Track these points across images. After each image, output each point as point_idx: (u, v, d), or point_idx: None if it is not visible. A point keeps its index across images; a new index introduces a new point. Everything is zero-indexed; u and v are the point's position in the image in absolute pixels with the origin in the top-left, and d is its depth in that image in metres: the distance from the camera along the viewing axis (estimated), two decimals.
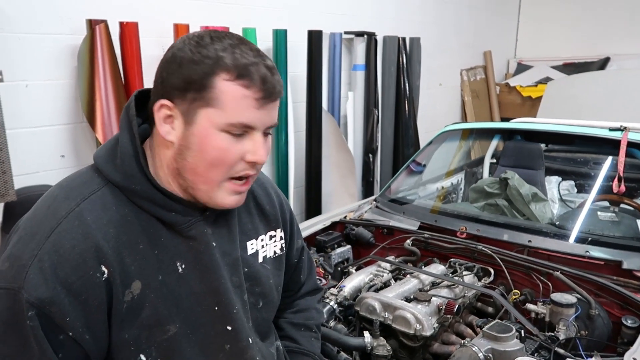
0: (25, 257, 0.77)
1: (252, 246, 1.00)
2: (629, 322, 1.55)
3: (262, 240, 1.02)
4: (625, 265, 1.77)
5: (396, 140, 4.30)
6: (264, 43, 3.20)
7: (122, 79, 2.48)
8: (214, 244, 0.91)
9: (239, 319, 0.92)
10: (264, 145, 0.89)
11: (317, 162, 3.52)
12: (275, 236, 1.04)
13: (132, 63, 2.51)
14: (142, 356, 0.85)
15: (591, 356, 1.41)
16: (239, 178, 0.90)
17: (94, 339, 0.80)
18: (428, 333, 1.58)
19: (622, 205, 2.36)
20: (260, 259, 1.00)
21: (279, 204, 1.08)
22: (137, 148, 0.85)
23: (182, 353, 0.88)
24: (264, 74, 0.85)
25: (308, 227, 2.37)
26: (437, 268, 1.97)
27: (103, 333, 0.82)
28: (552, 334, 1.56)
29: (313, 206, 3.49)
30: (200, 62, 0.82)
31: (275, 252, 1.04)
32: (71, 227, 0.80)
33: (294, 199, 3.46)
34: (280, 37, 3.25)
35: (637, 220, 1.99)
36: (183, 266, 0.89)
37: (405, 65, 4.27)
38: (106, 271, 0.80)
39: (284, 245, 1.06)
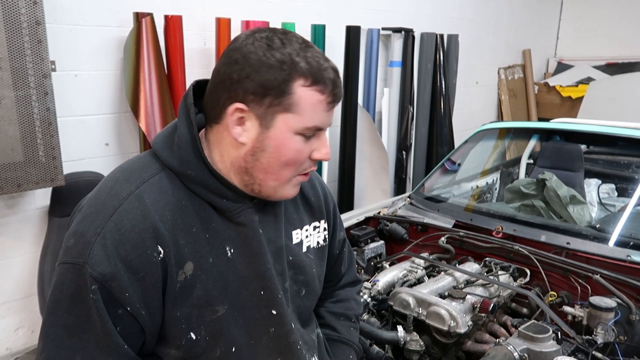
0: (90, 234, 0.82)
1: (297, 235, 1.02)
2: None
3: (307, 230, 1.04)
4: None
5: (430, 138, 4.27)
6: None
7: (166, 71, 2.55)
8: (261, 231, 0.95)
9: (283, 304, 0.95)
10: (327, 144, 0.94)
11: (351, 158, 3.54)
12: (319, 227, 1.07)
13: (175, 55, 2.58)
14: (192, 334, 0.89)
15: None
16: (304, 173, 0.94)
17: (149, 314, 0.85)
18: (462, 330, 1.58)
19: None
20: (304, 249, 1.03)
21: (324, 196, 1.11)
22: (195, 135, 0.89)
23: (230, 333, 0.92)
24: (333, 79, 0.89)
25: (344, 221, 2.39)
26: (472, 267, 1.96)
27: (158, 309, 0.86)
28: (590, 337, 1.54)
29: (345, 201, 3.51)
30: (276, 67, 0.84)
31: (318, 243, 1.06)
32: (131, 207, 0.84)
33: None
34: (318, 32, 3.27)
35: None
36: (232, 250, 0.92)
37: (442, 63, 4.23)
38: (162, 251, 0.84)
39: (326, 236, 1.08)
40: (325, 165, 3.43)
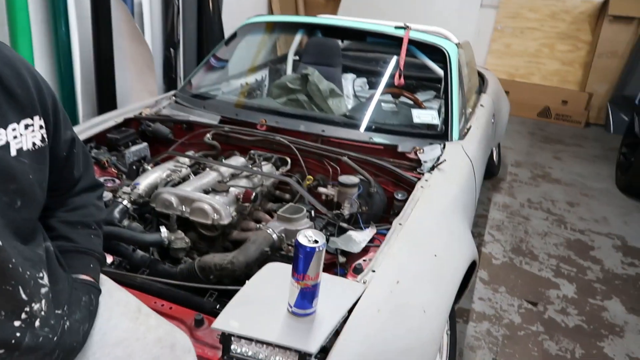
0: None
1: (0, 137, 0.83)
2: (399, 196, 1.79)
3: (15, 130, 0.85)
4: (399, 149, 2.01)
5: (200, 34, 4.04)
6: None
7: None
8: None
9: None
10: None
11: (107, 55, 3.12)
12: (32, 125, 0.88)
13: None
14: None
15: (368, 227, 1.60)
16: None
17: None
18: (226, 222, 1.60)
19: (402, 98, 2.65)
20: (14, 152, 0.84)
21: (36, 87, 0.90)
22: None
23: None
24: None
25: (97, 125, 2.13)
26: (238, 160, 1.98)
27: None
28: (339, 211, 1.73)
29: (107, 105, 3.14)
30: None
31: (34, 144, 0.88)
32: None
33: (83, 97, 3.05)
34: None
35: (412, 110, 2.25)
36: None
37: None
38: None
39: (45, 135, 0.90)
40: (77, 64, 2.97)
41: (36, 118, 0.89)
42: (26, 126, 0.87)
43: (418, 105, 2.63)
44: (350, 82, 3.30)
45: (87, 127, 2.11)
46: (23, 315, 0.80)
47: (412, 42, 2.42)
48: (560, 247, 3.05)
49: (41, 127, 0.90)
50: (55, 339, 0.83)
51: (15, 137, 0.85)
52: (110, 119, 2.19)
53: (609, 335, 2.27)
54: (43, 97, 0.92)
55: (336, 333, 1.10)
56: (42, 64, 2.87)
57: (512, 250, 2.95)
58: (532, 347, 2.14)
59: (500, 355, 2.07)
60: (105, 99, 3.16)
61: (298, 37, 3.31)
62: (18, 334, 0.79)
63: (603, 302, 2.52)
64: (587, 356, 2.12)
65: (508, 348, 2.12)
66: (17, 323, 0.79)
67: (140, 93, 3.22)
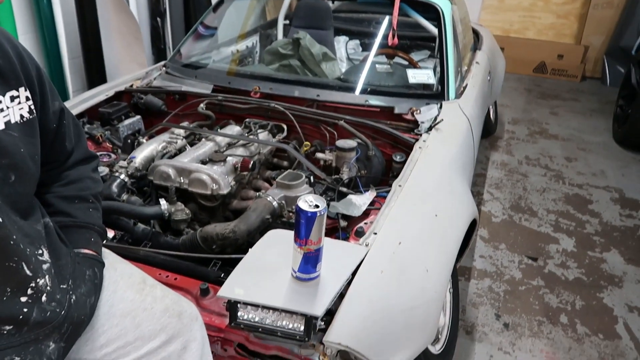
0: None
1: None
2: (397, 158, 1.78)
3: (1, 103, 0.83)
4: (396, 110, 1.99)
5: (186, 2, 3.94)
6: None
7: None
8: None
9: None
10: None
11: (93, 28, 3.04)
12: (18, 97, 0.85)
13: None
14: None
15: (368, 190, 1.59)
16: None
17: None
18: (225, 191, 1.59)
19: (396, 59, 2.60)
20: (2, 126, 0.82)
21: (18, 58, 0.87)
22: None
23: None
24: None
25: (88, 99, 2.10)
26: (233, 129, 1.96)
27: None
28: (338, 176, 1.72)
29: (96, 79, 3.08)
30: None
31: (22, 117, 0.86)
32: None
33: (71, 72, 2.99)
34: None
35: (407, 70, 2.22)
36: None
37: None
38: None
39: (32, 107, 0.88)
40: (62, 38, 2.90)
41: (21, 89, 0.87)
42: (12, 98, 0.85)
43: (413, 65, 2.59)
44: (343, 45, 3.24)
45: (77, 102, 2.07)
46: (29, 291, 0.80)
47: (404, 0, 2.36)
48: (559, 202, 3.07)
49: (27, 98, 0.88)
50: (62, 312, 0.84)
51: (2, 110, 0.83)
52: (100, 93, 2.15)
53: (608, 286, 2.31)
54: (26, 67, 0.89)
55: (341, 296, 1.11)
56: (26, 41, 2.80)
57: (511, 208, 2.97)
58: (533, 300, 2.18)
59: (502, 310, 2.11)
60: (95, 73, 3.11)
61: (287, 0, 3.22)
62: (25, 310, 0.79)
63: (602, 254, 2.55)
64: (587, 307, 2.16)
65: (510, 303, 2.16)
66: (23, 299, 0.79)
67: (129, 65, 3.15)
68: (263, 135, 1.94)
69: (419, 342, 1.26)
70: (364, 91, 2.10)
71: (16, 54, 0.88)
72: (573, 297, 2.22)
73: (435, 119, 1.89)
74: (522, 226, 2.78)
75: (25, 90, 0.87)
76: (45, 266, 0.83)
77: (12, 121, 0.84)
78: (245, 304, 1.06)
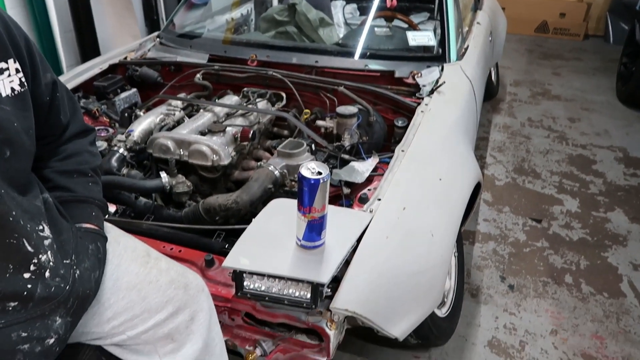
0: None
1: None
2: (399, 123, 1.75)
3: None
4: (397, 74, 1.94)
5: None
6: None
7: None
8: None
9: None
10: None
11: (84, 1, 2.96)
12: (7, 69, 0.82)
13: None
14: None
15: (370, 156, 1.57)
16: None
17: None
18: (225, 162, 1.58)
19: (395, 22, 2.54)
20: None
21: (5, 29, 0.84)
22: None
23: None
24: None
25: (82, 73, 2.06)
26: (231, 99, 1.92)
27: None
28: (339, 143, 1.69)
29: (90, 53, 3.02)
30: None
31: (13, 90, 0.83)
32: None
33: (64, 47, 2.93)
34: None
35: (407, 32, 2.16)
36: None
37: None
38: None
39: (23, 79, 0.85)
40: (53, 13, 2.83)
41: (10, 61, 0.84)
42: (1, 71, 0.82)
43: (413, 27, 2.53)
44: (340, 10, 3.16)
45: (71, 76, 2.03)
46: (32, 267, 0.79)
47: None
48: (563, 163, 3.04)
49: (17, 70, 0.85)
50: (67, 287, 0.83)
51: None
52: (94, 66, 2.11)
53: (612, 245, 2.31)
54: (14, 38, 0.86)
55: (346, 263, 1.10)
56: (14, 16, 2.73)
57: (514, 170, 2.95)
58: (538, 262, 2.19)
59: (507, 273, 2.11)
60: (88, 46, 3.04)
61: None
62: (29, 286, 0.78)
63: (606, 214, 2.54)
64: (592, 267, 2.17)
65: (514, 265, 2.16)
66: (26, 275, 0.78)
67: (122, 37, 3.09)
68: (262, 104, 1.90)
69: (426, 306, 1.26)
70: (363, 55, 2.05)
71: (3, 25, 0.84)
72: (577, 257, 2.22)
73: (437, 81, 1.85)
74: (525, 188, 2.76)
75: (15, 62, 0.84)
76: (46, 242, 0.82)
77: (4, 94, 0.82)
78: (251, 273, 1.06)
